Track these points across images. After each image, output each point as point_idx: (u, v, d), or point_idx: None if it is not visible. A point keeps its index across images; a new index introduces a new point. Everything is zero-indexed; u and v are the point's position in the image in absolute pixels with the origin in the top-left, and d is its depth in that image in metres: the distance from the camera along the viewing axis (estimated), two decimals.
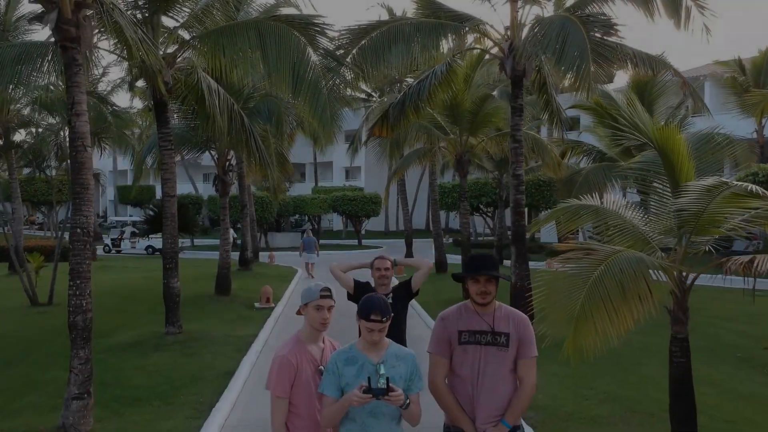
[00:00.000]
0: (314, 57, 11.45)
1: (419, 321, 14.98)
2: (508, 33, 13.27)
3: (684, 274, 6.61)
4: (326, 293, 4.01)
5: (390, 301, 6.13)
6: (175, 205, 12.70)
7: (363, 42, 12.39)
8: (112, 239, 40.19)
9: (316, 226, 46.10)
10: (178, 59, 12.82)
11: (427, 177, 48.21)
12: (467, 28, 13.50)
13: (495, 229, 38.11)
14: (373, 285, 6.29)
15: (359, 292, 6.26)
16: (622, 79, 55.86)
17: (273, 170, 16.37)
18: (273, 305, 16.69)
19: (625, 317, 5.88)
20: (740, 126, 21.76)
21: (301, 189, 56.99)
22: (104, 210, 76.91)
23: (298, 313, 4.10)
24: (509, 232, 32.36)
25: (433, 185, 25.79)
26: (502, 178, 28.55)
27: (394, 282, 6.54)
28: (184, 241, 37.32)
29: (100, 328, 13.70)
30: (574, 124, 33.75)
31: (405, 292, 6.27)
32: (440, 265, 24.06)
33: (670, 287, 6.43)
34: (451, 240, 41.38)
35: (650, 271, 6.11)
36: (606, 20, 11.19)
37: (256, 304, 16.76)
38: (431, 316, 15.63)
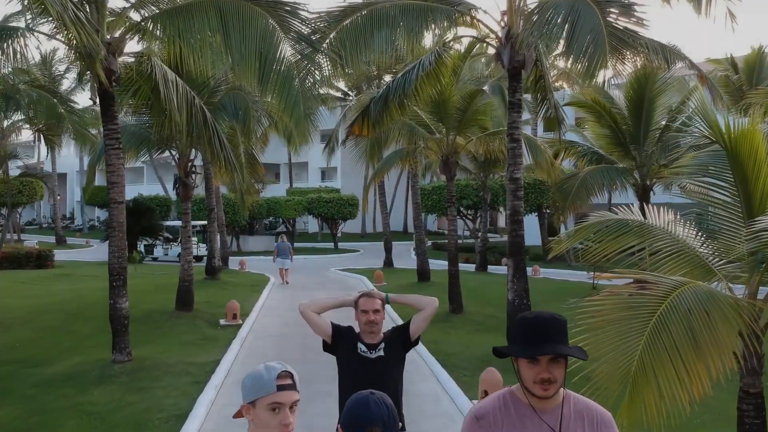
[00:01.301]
0: (285, 42, 9.88)
1: None
2: (506, 18, 11.77)
3: (758, 309, 5.12)
4: (287, 382, 2.43)
5: (381, 353, 4.55)
6: (123, 213, 10.99)
7: (342, 25, 10.79)
8: (145, 245, 36.35)
9: (290, 229, 44.35)
10: (128, 44, 11.13)
11: (405, 178, 46.81)
12: (458, 13, 12.00)
13: (479, 231, 36.66)
14: (357, 330, 4.68)
15: (339, 339, 4.66)
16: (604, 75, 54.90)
17: (240, 172, 14.70)
18: (240, 322, 15.01)
19: (698, 375, 4.37)
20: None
21: (276, 190, 55.05)
22: (71, 212, 74.34)
23: (238, 416, 2.52)
24: (482, 236, 30.71)
25: (415, 188, 24.23)
26: (486, 180, 27.11)
27: (386, 326, 4.91)
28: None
29: (37, 354, 12.01)
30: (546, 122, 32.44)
31: (401, 341, 4.64)
32: (423, 273, 22.50)
33: (739, 328, 4.94)
34: (430, 243, 39.72)
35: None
36: (623, 1, 9.71)
37: (221, 321, 15.07)
38: None
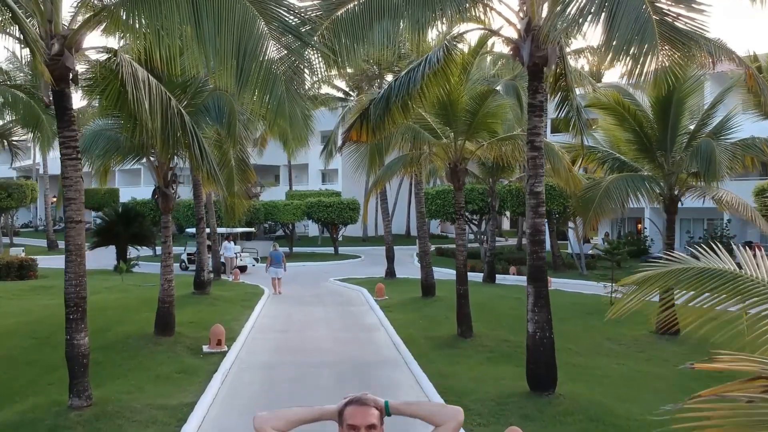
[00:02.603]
0: (268, 35, 8.36)
1: (403, 368, 11.82)
2: (525, 7, 10.22)
3: None
4: None
5: None
6: (81, 235, 9.47)
7: (336, 15, 9.26)
8: (188, 254, 32.46)
9: (288, 233, 42.76)
10: (88, 36, 9.61)
11: (408, 178, 45.15)
12: (470, 2, 10.45)
13: (484, 234, 35.05)
14: None
15: None
16: (612, 75, 53.14)
17: (224, 187, 13.16)
18: (225, 349, 13.47)
19: None
20: (754, 128, 18.59)
21: (275, 193, 53.52)
22: None
23: None
24: (490, 245, 28.75)
25: (419, 196, 22.62)
26: (495, 186, 25.56)
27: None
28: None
29: None
30: (560, 124, 30.79)
31: None
32: (428, 287, 20.91)
33: None
34: (434, 248, 37.95)
35: None
36: None
37: (205, 348, 13.53)
38: (420, 362, 12.53)
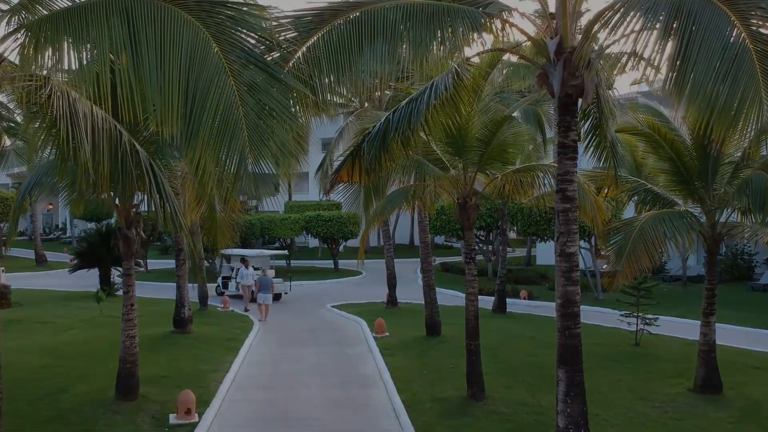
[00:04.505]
0: (225, 66, 6.40)
1: None
2: (555, 25, 8.20)
3: None
4: None
5: None
6: None
7: (316, 39, 7.25)
8: (223, 278, 30.04)
9: (284, 245, 40.73)
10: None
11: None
12: (485, 17, 8.43)
13: (496, 254, 33.06)
14: None
15: None
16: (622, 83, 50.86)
17: (191, 235, 11.18)
18: (195, 419, 11.48)
19: None
20: None
21: (276, 201, 51.34)
22: (63, 222, 71.27)
23: None
24: (500, 272, 26.15)
25: (423, 224, 20.55)
26: (506, 209, 23.52)
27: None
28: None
29: None
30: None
31: None
32: (433, 326, 18.84)
33: None
34: (437, 261, 35.64)
35: None
36: None
37: (172, 418, 11.51)
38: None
